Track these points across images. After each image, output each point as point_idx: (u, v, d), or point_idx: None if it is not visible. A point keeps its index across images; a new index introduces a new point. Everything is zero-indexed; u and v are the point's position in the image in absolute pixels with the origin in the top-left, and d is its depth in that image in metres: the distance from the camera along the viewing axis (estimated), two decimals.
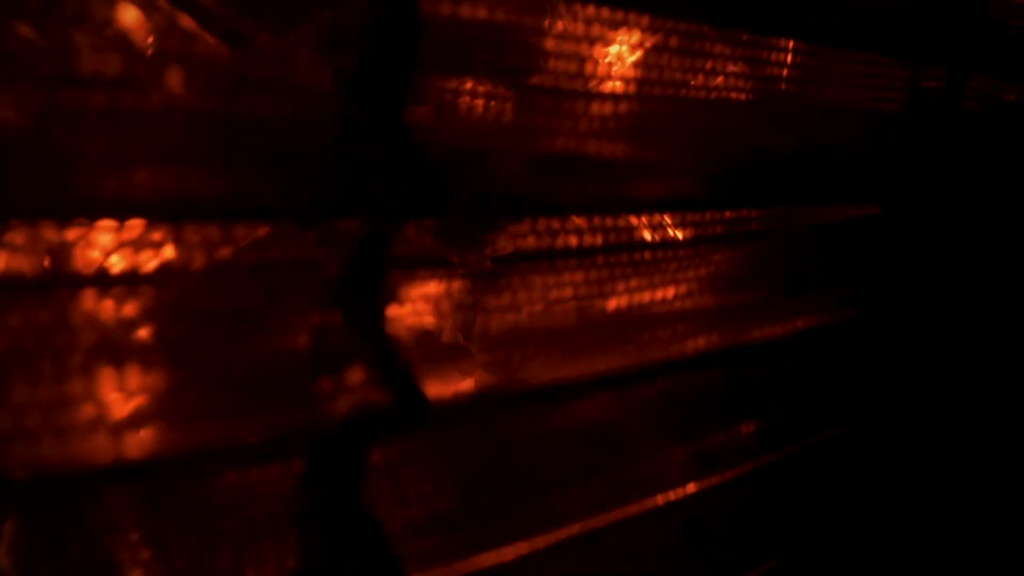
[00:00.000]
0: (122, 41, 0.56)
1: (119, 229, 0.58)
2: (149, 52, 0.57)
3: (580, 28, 0.72)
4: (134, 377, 0.59)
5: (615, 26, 0.74)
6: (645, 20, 0.75)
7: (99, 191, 0.57)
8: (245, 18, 0.60)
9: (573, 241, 0.79)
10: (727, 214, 0.92)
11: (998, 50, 1.33)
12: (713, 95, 0.84)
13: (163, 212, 0.59)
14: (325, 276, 0.68)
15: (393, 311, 0.69)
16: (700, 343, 0.90)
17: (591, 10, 0.71)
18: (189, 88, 0.59)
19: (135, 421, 0.58)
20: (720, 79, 0.83)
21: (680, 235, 0.89)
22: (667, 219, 0.85)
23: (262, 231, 0.65)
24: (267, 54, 0.61)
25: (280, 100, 0.63)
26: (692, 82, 0.81)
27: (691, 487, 0.90)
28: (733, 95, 0.87)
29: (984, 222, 1.35)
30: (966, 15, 1.22)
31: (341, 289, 0.68)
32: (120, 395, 0.59)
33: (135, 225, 0.59)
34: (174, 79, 0.59)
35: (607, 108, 0.76)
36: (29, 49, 0.51)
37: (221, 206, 0.63)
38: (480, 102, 0.69)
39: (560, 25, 0.71)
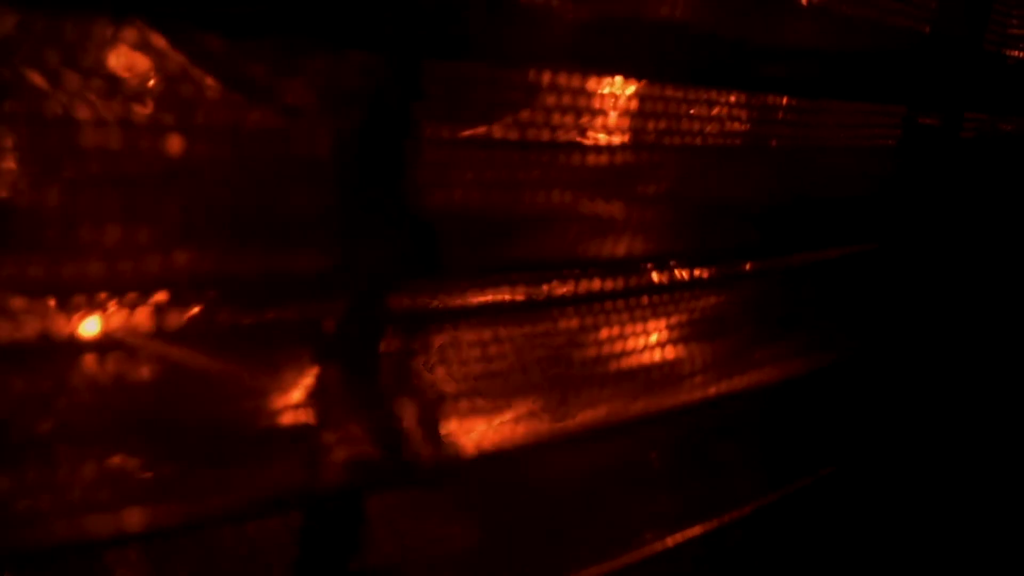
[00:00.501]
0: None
1: (111, 296, 0.59)
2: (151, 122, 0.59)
3: (568, 98, 0.74)
4: (130, 443, 0.60)
5: (606, 86, 0.75)
6: (635, 83, 0.77)
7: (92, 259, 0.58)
8: (248, 82, 0.61)
9: (566, 292, 0.80)
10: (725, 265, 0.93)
11: (994, 84, 1.33)
12: (710, 145, 0.85)
13: (158, 278, 0.60)
14: (322, 335, 0.69)
15: (388, 365, 0.70)
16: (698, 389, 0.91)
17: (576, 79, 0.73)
18: (188, 150, 0.60)
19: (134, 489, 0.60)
20: (714, 132, 0.84)
21: (679, 278, 0.90)
22: (664, 269, 0.87)
23: (257, 292, 0.66)
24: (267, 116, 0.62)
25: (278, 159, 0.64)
26: (685, 136, 0.82)
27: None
28: (728, 142, 0.88)
29: (981, 255, 1.35)
30: (960, 55, 1.20)
31: (337, 347, 0.69)
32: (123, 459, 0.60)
33: (127, 289, 0.60)
34: (174, 143, 0.60)
35: (601, 162, 0.78)
36: None
37: (220, 270, 0.64)
38: (475, 163, 0.70)
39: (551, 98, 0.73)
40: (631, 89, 0.77)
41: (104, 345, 0.59)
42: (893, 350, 1.22)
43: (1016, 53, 1.35)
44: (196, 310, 0.63)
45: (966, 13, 1.20)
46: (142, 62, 0.56)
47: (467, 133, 0.69)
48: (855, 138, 1.07)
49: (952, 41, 1.17)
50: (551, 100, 0.72)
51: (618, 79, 0.76)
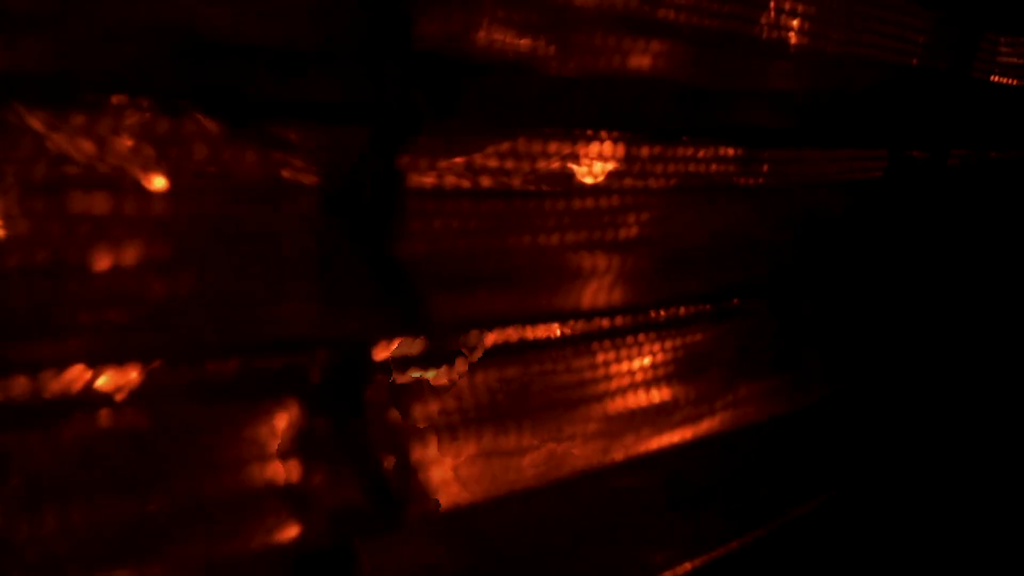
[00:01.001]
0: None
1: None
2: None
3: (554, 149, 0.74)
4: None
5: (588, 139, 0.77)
6: (617, 136, 0.78)
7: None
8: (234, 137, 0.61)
9: (552, 337, 0.81)
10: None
11: (982, 113, 1.33)
12: (691, 189, 0.86)
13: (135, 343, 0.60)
14: (306, 385, 0.69)
15: (375, 424, 0.71)
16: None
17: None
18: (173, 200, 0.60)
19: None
20: (694, 177, 0.85)
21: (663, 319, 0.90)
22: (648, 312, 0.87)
23: (241, 345, 0.66)
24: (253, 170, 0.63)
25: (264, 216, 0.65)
26: (668, 180, 0.83)
27: None
28: (709, 186, 0.89)
29: (969, 283, 1.36)
30: (948, 86, 1.20)
31: (321, 397, 0.69)
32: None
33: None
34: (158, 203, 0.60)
35: (587, 209, 0.79)
36: None
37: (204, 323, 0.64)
38: (461, 222, 0.71)
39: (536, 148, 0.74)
40: (613, 141, 0.78)
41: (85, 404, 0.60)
42: (884, 382, 1.22)
43: (1006, 80, 1.37)
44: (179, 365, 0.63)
45: (954, 43, 1.20)
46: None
47: (451, 183, 0.69)
48: (840, 174, 1.08)
49: (939, 73, 1.17)
50: (536, 150, 0.74)
51: (601, 133, 0.77)
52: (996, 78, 1.33)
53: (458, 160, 0.70)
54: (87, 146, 0.56)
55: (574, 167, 0.77)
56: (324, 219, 0.64)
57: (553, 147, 0.75)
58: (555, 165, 0.76)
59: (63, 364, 0.57)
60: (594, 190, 0.79)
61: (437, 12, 0.63)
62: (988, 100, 1.32)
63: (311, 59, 0.60)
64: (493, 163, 0.72)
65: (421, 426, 0.73)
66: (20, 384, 0.56)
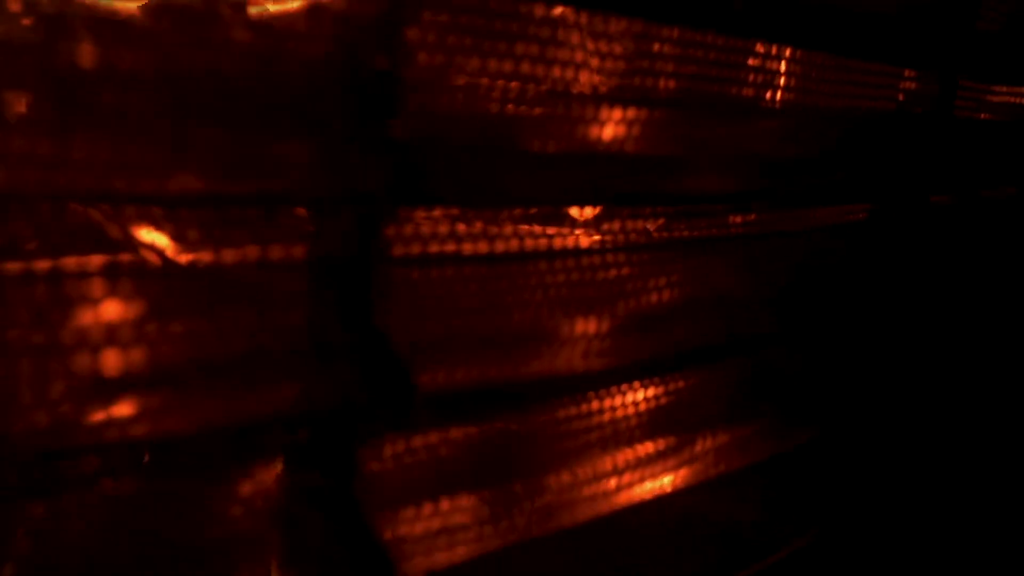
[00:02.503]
0: None
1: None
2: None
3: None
4: None
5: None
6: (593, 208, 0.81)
7: None
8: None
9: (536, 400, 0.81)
10: None
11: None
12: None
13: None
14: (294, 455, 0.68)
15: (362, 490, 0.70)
16: None
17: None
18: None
19: None
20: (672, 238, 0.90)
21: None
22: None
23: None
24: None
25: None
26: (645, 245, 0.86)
27: None
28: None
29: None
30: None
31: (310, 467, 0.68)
32: None
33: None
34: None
35: (571, 279, 0.80)
36: None
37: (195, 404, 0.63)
38: (445, 288, 0.72)
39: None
40: (590, 211, 0.81)
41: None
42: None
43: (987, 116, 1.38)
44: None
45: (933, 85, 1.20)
46: None
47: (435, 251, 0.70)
48: (825, 220, 1.11)
49: (922, 115, 1.18)
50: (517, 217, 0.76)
51: (577, 205, 0.80)
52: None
53: (442, 229, 0.71)
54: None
55: (553, 234, 0.79)
56: (311, 292, 0.65)
57: (532, 216, 0.77)
58: (536, 231, 0.78)
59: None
60: (575, 253, 0.81)
61: (420, 99, 0.66)
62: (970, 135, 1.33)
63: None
64: (475, 231, 0.74)
65: (409, 491, 0.73)
66: None
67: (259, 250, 0.62)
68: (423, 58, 0.66)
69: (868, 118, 1.10)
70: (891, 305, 1.23)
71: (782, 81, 0.93)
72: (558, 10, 0.72)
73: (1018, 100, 1.42)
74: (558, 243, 0.79)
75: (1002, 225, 1.44)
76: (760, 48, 0.89)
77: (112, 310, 0.57)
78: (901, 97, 1.15)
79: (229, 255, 0.61)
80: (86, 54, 0.52)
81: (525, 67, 0.71)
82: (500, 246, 0.75)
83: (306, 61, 0.61)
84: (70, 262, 0.56)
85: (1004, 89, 1.37)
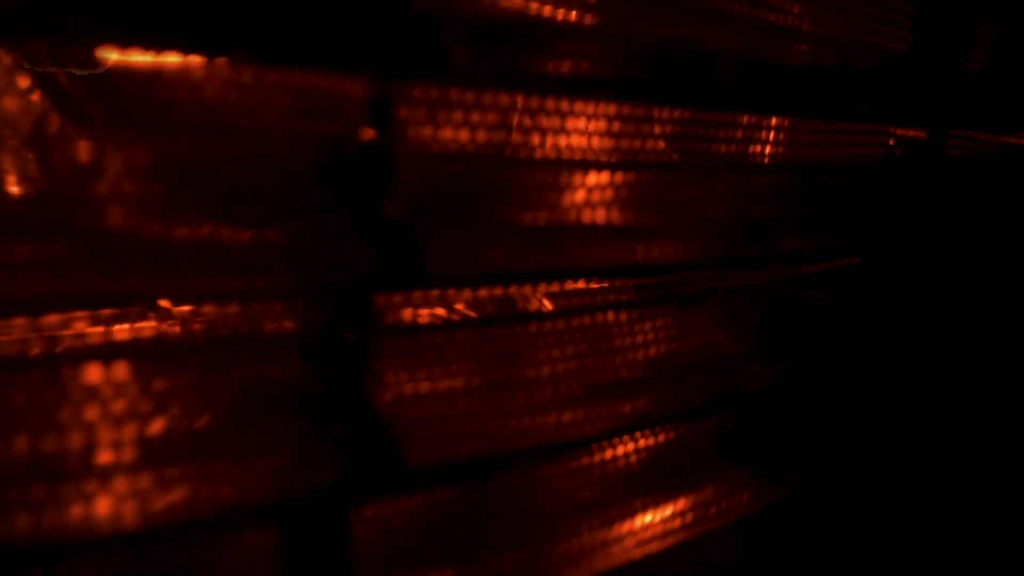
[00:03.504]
0: None
1: None
2: None
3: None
4: None
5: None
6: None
7: None
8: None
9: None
10: None
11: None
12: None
13: None
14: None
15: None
16: None
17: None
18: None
19: None
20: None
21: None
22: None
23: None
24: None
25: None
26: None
27: None
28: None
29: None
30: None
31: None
32: None
33: None
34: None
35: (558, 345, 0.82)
36: None
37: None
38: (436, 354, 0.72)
39: None
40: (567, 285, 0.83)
41: None
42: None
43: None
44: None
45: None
46: None
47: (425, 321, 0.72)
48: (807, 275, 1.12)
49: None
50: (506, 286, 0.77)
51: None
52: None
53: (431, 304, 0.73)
54: None
55: (541, 302, 0.82)
56: (302, 367, 0.66)
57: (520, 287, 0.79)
58: (525, 297, 0.80)
59: None
60: (564, 315, 0.83)
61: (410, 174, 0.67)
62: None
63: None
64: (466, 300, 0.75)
65: (398, 559, 0.74)
66: None
67: (249, 328, 0.64)
68: (413, 133, 0.67)
69: (857, 171, 1.11)
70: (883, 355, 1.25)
71: (769, 145, 0.96)
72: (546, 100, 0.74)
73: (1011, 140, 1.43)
74: (535, 309, 0.81)
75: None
76: (745, 120, 0.91)
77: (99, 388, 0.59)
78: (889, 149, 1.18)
79: (219, 333, 0.63)
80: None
81: (516, 138, 0.73)
82: (488, 312, 0.76)
83: (292, 140, 0.62)
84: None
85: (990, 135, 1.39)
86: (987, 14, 1.27)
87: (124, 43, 0.54)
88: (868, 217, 1.20)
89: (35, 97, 0.53)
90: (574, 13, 0.73)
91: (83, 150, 0.55)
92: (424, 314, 0.74)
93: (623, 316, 0.85)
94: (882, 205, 1.22)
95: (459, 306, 0.76)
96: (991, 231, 1.40)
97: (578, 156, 0.77)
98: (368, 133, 0.65)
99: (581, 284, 0.83)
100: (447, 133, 0.68)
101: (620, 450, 0.90)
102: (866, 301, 1.23)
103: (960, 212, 1.34)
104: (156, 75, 0.56)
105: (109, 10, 0.52)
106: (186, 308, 0.63)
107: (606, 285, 0.85)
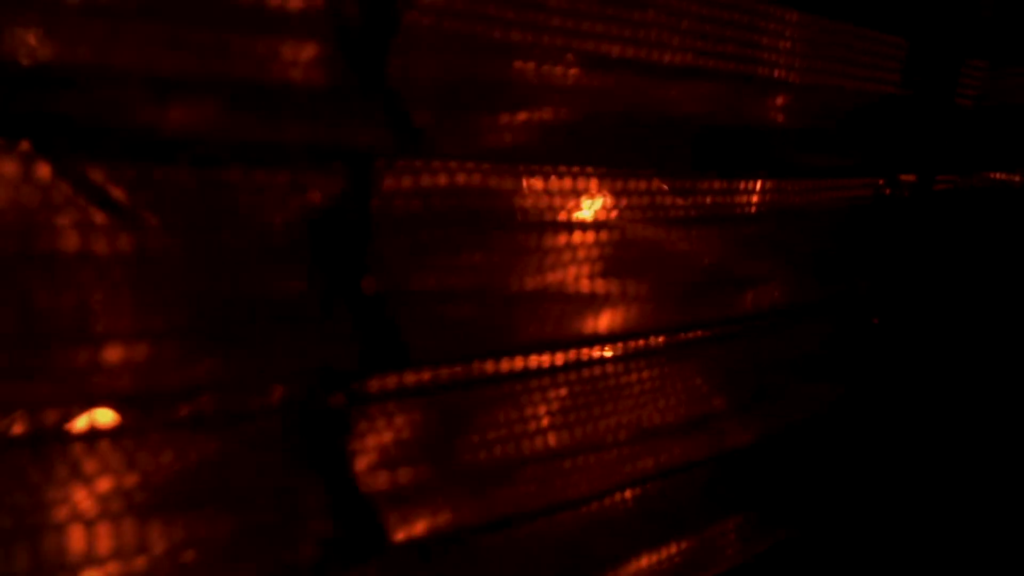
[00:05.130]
0: None
1: None
2: None
3: None
4: None
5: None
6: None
7: None
8: None
9: None
10: None
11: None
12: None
13: None
14: None
15: None
16: None
17: None
18: None
19: None
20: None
21: None
22: None
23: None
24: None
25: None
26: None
27: None
28: None
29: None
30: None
31: None
32: None
33: None
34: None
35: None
36: None
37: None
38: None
39: None
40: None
41: None
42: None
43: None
44: None
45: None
46: None
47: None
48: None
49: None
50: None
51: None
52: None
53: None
54: None
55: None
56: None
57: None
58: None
59: None
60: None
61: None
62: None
63: None
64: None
65: None
66: None
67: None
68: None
69: (841, 216, 1.12)
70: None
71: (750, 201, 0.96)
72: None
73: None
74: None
75: None
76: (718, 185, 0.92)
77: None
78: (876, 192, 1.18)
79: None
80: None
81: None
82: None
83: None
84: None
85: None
86: (975, 53, 1.27)
87: None
88: (855, 261, 1.20)
89: None
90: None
91: None
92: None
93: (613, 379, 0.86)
94: (869, 248, 1.22)
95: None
96: (981, 267, 1.40)
97: (557, 219, 0.78)
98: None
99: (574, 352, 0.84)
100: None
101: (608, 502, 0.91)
102: (855, 342, 1.23)
103: (949, 250, 1.34)
104: None
105: None
106: None
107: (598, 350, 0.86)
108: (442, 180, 0.68)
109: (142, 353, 0.58)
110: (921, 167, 1.26)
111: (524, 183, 0.74)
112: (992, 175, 1.42)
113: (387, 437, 0.69)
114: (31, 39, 0.52)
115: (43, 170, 0.54)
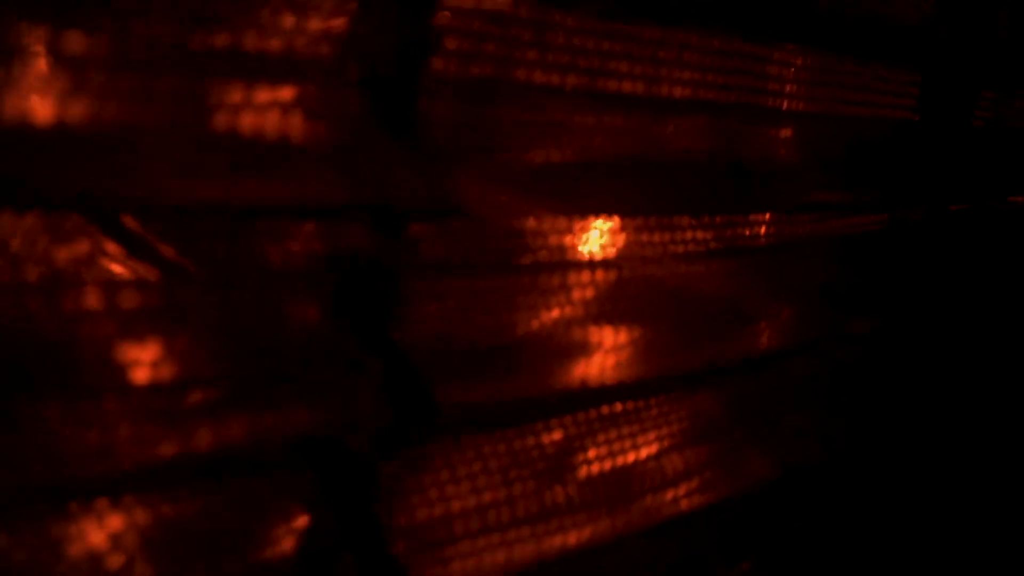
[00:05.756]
0: None
1: None
2: None
3: None
4: None
5: None
6: None
7: None
8: None
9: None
10: None
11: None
12: None
13: None
14: None
15: None
16: None
17: None
18: None
19: None
20: None
21: None
22: None
23: None
24: None
25: None
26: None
27: None
28: None
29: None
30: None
31: None
32: None
33: None
34: None
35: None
36: None
37: None
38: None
39: None
40: None
41: None
42: None
43: None
44: None
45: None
46: None
47: None
48: None
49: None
50: None
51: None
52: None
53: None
54: None
55: None
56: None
57: None
58: None
59: None
60: None
61: None
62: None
63: None
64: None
65: None
66: None
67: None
68: None
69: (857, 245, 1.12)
70: None
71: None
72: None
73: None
74: None
75: None
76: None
77: None
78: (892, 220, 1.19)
79: None
80: None
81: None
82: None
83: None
84: None
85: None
86: (988, 81, 1.27)
87: None
88: (875, 290, 1.20)
89: None
90: None
91: None
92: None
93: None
94: (888, 276, 1.22)
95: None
96: (998, 290, 1.40)
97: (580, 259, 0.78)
98: None
99: None
100: None
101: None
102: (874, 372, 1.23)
103: (967, 275, 1.34)
104: None
105: None
106: None
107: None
108: (469, 228, 0.68)
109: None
110: (935, 195, 1.27)
111: (548, 225, 0.74)
112: (1009, 199, 1.42)
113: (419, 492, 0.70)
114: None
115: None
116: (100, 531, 0.58)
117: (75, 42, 0.51)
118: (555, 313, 0.75)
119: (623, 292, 0.81)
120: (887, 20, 1.04)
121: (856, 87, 1.05)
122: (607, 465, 0.82)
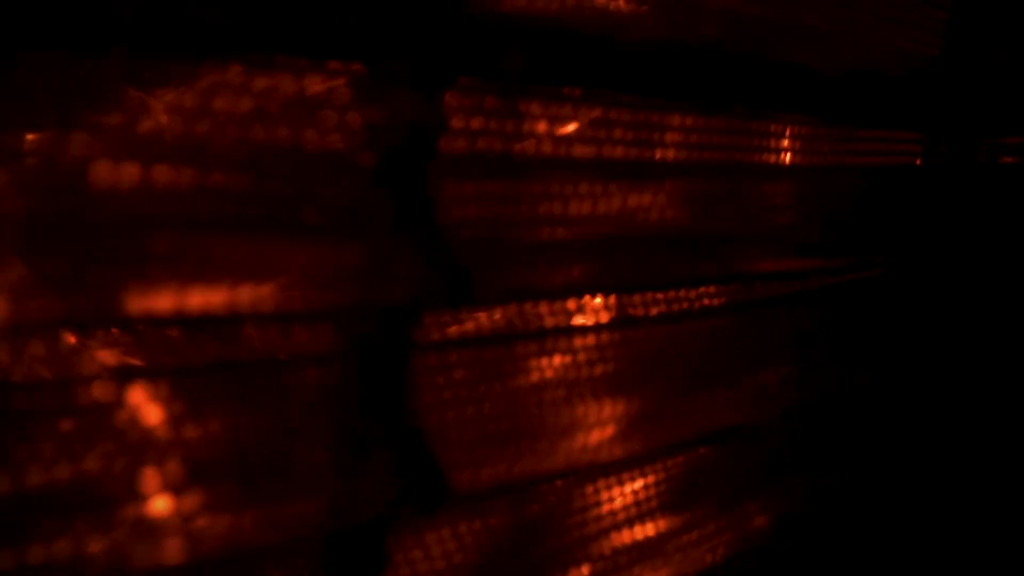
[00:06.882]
0: None
1: None
2: None
3: None
4: None
5: None
6: None
7: None
8: None
9: None
10: None
11: None
12: None
13: None
14: None
15: None
16: None
17: None
18: None
19: None
20: None
21: None
22: None
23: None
24: None
25: None
26: None
27: None
28: None
29: None
30: None
31: None
32: None
33: None
34: None
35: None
36: None
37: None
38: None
39: None
40: None
41: None
42: None
43: None
44: None
45: None
46: None
47: None
48: None
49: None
50: None
51: None
52: None
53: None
54: None
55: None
56: None
57: None
58: None
59: None
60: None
61: None
62: None
63: None
64: None
65: None
66: None
67: None
68: None
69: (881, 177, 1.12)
70: None
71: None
72: None
73: None
74: None
75: None
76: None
77: None
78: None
79: None
80: None
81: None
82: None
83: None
84: None
85: None
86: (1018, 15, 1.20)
87: None
88: (894, 226, 1.20)
89: None
90: None
91: None
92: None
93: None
94: (910, 213, 1.21)
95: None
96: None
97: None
98: None
99: None
100: None
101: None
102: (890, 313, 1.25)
103: (991, 219, 1.31)
104: None
105: None
106: None
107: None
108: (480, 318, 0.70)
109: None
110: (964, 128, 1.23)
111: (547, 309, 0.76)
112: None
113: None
114: None
115: None
116: None
117: None
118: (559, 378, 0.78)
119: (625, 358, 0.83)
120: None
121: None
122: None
